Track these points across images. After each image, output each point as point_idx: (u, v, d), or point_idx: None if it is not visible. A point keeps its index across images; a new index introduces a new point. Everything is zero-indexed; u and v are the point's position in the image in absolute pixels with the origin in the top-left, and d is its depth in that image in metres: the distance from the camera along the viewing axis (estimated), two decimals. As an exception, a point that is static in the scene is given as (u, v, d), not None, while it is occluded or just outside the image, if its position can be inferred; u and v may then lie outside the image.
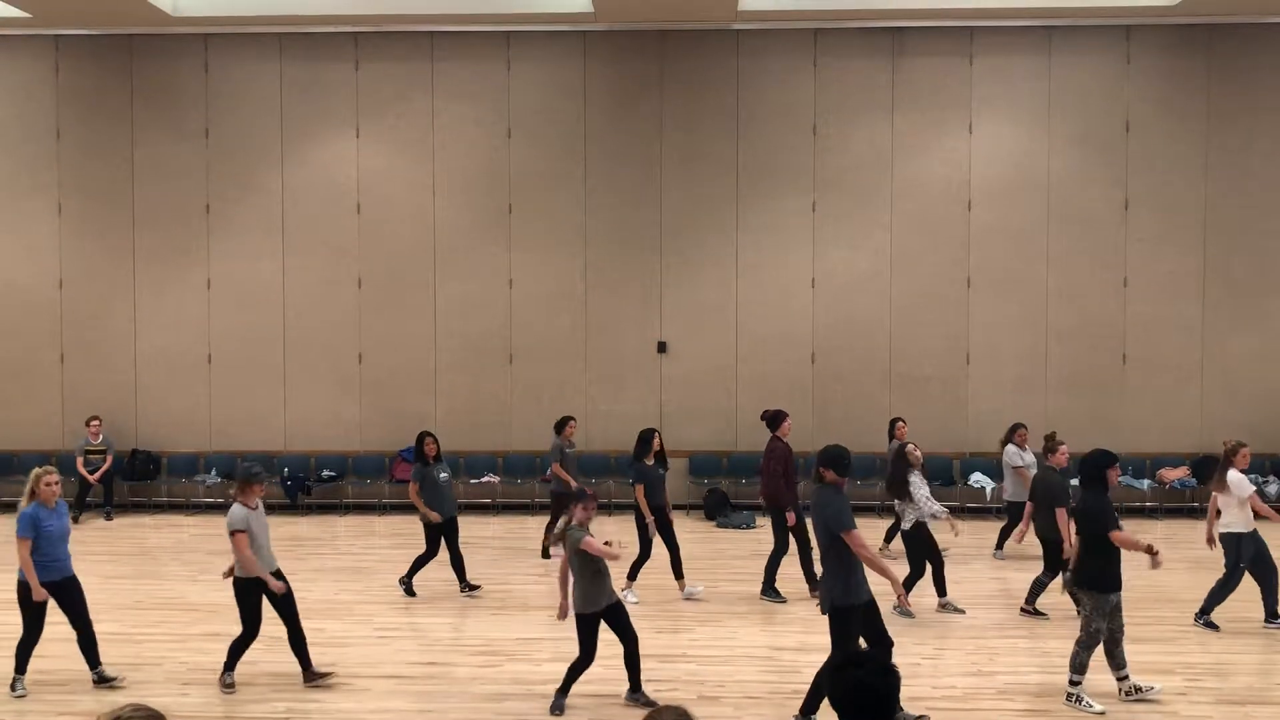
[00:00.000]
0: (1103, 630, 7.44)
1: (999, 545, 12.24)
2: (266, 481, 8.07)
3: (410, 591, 10.46)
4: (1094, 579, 7.42)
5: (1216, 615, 9.40)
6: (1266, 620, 9.33)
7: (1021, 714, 7.37)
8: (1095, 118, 15.18)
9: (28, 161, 15.66)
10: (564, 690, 7.33)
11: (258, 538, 7.80)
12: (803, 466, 11.60)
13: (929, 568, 9.99)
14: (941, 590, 9.96)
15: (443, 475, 10.66)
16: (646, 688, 7.48)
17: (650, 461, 10.60)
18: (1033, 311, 15.27)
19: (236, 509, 7.78)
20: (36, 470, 7.87)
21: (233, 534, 7.70)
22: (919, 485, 9.95)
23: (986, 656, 8.63)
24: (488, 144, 15.48)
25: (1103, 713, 7.30)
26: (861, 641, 6.93)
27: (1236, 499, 9.23)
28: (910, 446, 10.34)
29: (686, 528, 14.14)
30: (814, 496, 7.14)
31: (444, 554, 10.60)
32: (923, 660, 8.44)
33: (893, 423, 12.83)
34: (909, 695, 7.15)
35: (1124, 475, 14.81)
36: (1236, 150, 15.09)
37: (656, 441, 10.67)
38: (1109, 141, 15.17)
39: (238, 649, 7.87)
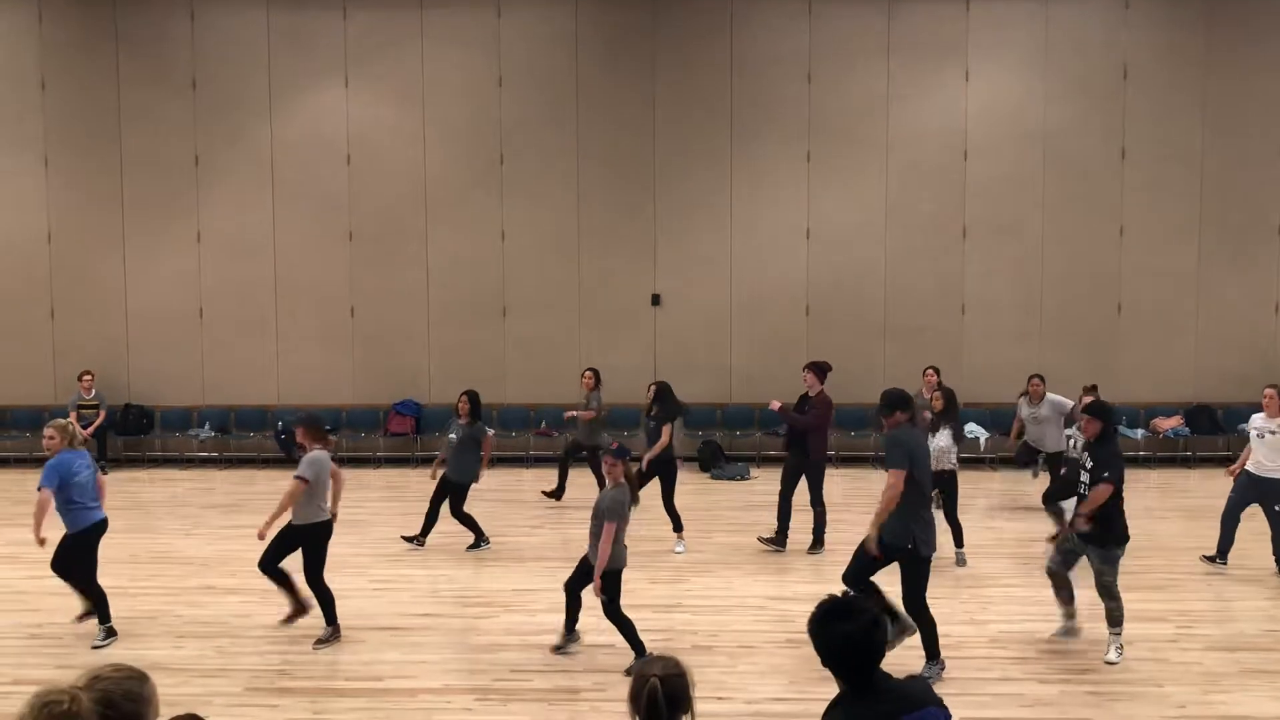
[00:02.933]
0: (1052, 559, 7.66)
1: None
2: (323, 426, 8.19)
3: (418, 540, 10.54)
4: (1097, 534, 7.41)
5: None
6: None
7: (1013, 661, 7.41)
8: (1092, 65, 15.02)
9: (12, 114, 15.45)
10: (639, 647, 7.25)
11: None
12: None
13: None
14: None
15: (450, 435, 10.66)
16: (641, 637, 7.47)
17: (650, 411, 10.64)
18: (1028, 261, 15.21)
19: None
20: None
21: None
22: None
23: (980, 605, 8.67)
24: (479, 93, 15.29)
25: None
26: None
27: None
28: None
29: (681, 479, 14.11)
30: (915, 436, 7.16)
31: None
32: (916, 609, 8.46)
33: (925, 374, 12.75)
34: (903, 644, 7.18)
35: (1118, 424, 14.83)
36: (1234, 97, 14.95)
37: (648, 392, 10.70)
38: (1106, 89, 15.02)
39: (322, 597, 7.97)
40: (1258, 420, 9.32)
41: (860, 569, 7.16)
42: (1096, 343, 15.19)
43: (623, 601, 7.28)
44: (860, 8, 15.06)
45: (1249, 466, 9.35)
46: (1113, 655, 7.38)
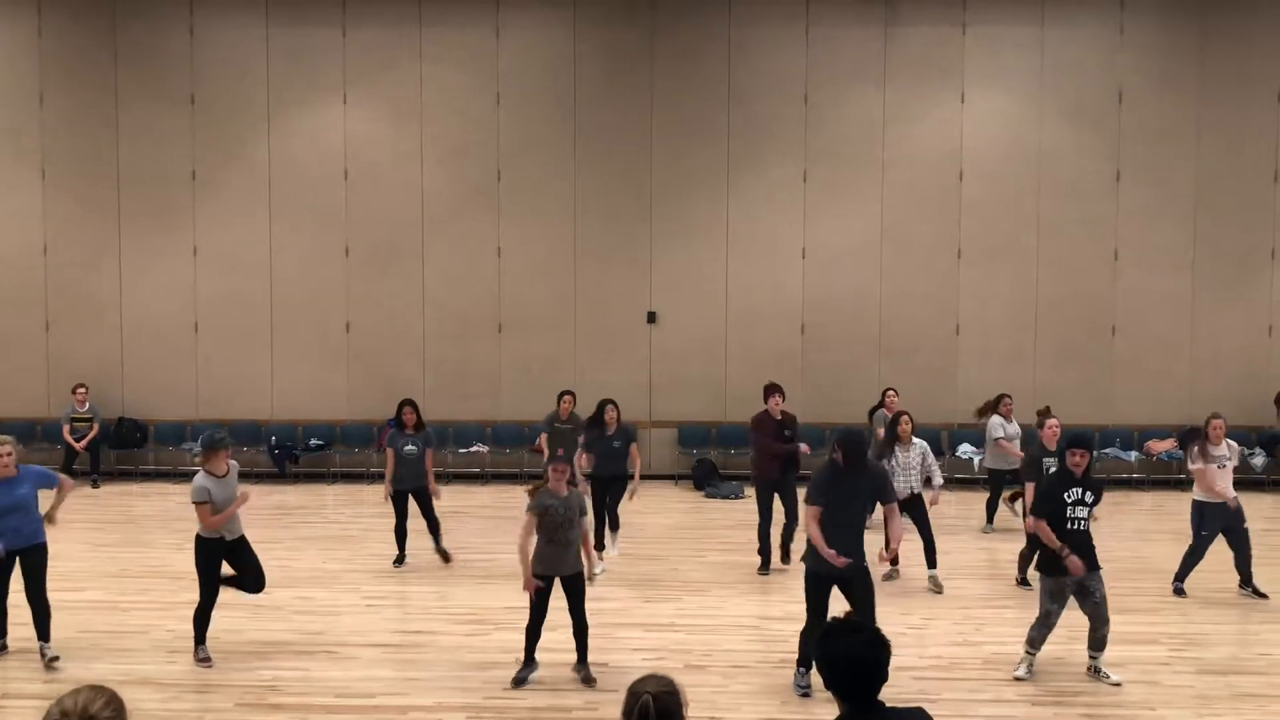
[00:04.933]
0: (1054, 612, 7.41)
1: (989, 519, 12.23)
2: (229, 446, 7.93)
3: (400, 561, 10.44)
4: (1042, 562, 7.49)
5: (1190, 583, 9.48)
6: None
7: (1007, 683, 7.40)
8: (1088, 89, 15.10)
9: (10, 127, 15.47)
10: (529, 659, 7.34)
11: (220, 507, 7.60)
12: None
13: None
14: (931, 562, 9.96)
15: (407, 448, 10.36)
16: (634, 656, 7.49)
17: (608, 432, 10.49)
18: (1023, 283, 15.25)
19: (199, 479, 7.59)
20: None
21: (196, 505, 7.58)
22: (894, 464, 9.84)
23: (973, 627, 8.66)
24: (476, 111, 15.34)
25: (1022, 678, 7.41)
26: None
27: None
28: (903, 420, 10.20)
29: (675, 498, 14.21)
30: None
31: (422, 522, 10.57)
32: (909, 630, 8.46)
33: (884, 393, 12.84)
34: (896, 664, 7.15)
35: (1111, 447, 14.88)
36: (1229, 122, 15.03)
37: (609, 413, 10.53)
38: (1101, 113, 15.10)
39: (200, 617, 7.72)
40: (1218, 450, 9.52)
41: (817, 604, 7.07)
42: (1090, 365, 15.23)
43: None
44: (857, 31, 15.14)
45: (1204, 497, 9.45)
46: (1116, 676, 7.39)
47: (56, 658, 7.61)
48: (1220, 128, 15.03)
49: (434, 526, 10.48)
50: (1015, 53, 15.13)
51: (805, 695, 7.09)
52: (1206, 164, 15.07)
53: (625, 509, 10.74)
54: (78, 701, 2.91)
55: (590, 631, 7.41)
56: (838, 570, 6.97)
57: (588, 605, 7.39)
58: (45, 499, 7.85)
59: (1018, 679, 7.42)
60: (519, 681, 7.27)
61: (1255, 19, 14.99)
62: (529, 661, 7.36)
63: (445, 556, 10.47)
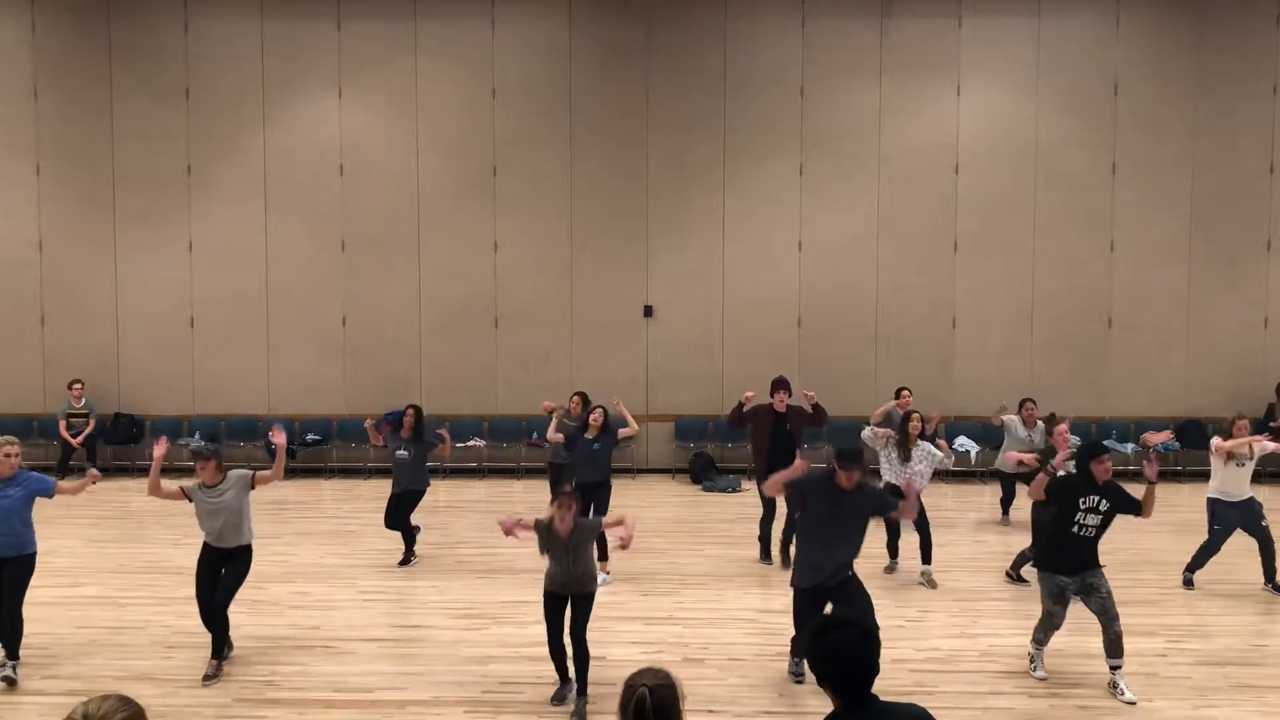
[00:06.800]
0: (1056, 613, 7.21)
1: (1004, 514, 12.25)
2: (210, 457, 7.59)
3: (406, 561, 10.43)
4: (1040, 559, 7.46)
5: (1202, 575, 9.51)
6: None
7: (1004, 676, 7.41)
8: (1084, 81, 15.10)
9: (5, 122, 15.42)
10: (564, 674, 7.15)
11: (198, 512, 7.52)
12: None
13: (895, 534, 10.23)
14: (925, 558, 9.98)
15: (399, 452, 10.44)
16: (632, 649, 7.48)
17: (588, 435, 10.29)
18: (1019, 275, 15.26)
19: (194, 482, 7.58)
20: None
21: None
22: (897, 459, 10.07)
23: (970, 619, 8.68)
24: (472, 105, 15.31)
25: (1044, 678, 7.32)
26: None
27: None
28: (913, 418, 10.19)
29: (673, 492, 14.22)
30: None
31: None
32: (906, 623, 8.48)
33: (898, 392, 12.59)
34: (893, 658, 7.20)
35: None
36: (1225, 114, 15.04)
37: (594, 417, 10.37)
38: (1097, 105, 15.10)
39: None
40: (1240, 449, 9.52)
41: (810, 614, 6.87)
42: (1087, 357, 15.24)
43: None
44: (853, 24, 15.12)
45: (1219, 495, 9.47)
46: (1131, 694, 7.00)
47: (13, 680, 7.17)
48: (1216, 120, 15.03)
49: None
50: (1011, 45, 15.12)
51: (799, 681, 7.13)
52: (1202, 156, 15.07)
53: (620, 502, 10.71)
54: (101, 708, 2.92)
55: (589, 626, 7.38)
56: (825, 581, 6.93)
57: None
58: (42, 507, 7.72)
59: (1040, 679, 7.27)
60: (559, 699, 7.00)
61: (1251, 12, 14.98)
62: (563, 680, 7.09)
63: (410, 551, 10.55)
